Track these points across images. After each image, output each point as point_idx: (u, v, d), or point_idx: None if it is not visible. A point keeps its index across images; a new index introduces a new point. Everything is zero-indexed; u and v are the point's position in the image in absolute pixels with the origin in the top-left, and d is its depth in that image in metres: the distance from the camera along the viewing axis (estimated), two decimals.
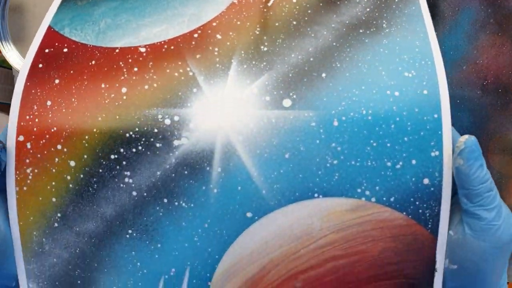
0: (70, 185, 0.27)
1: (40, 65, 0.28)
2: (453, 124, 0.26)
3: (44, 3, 0.49)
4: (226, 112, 0.26)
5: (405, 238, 0.26)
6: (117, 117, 0.27)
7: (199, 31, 0.29)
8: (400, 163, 0.25)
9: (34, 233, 0.27)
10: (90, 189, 0.27)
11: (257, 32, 0.28)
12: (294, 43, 0.28)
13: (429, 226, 0.26)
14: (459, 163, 0.24)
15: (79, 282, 0.28)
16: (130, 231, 0.27)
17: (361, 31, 0.28)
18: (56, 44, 0.29)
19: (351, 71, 0.26)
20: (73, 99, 0.27)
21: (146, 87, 0.27)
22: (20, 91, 0.28)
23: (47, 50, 0.29)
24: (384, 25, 0.28)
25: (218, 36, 0.28)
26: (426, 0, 0.30)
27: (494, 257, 0.25)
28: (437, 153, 0.25)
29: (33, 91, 0.28)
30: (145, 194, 0.27)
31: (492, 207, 0.24)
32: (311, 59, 0.27)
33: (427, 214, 0.25)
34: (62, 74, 0.28)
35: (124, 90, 0.27)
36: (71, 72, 0.28)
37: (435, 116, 0.25)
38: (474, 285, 0.26)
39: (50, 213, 0.27)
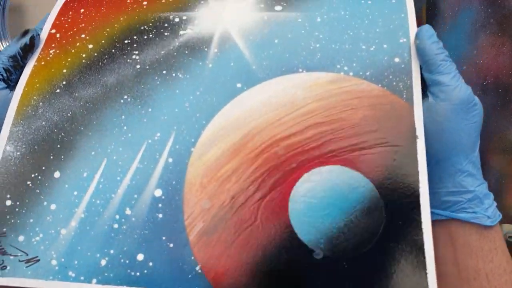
0: (83, 61, 0.32)
1: None
2: None
3: (44, 3, 0.50)
4: (226, 12, 0.33)
5: (383, 106, 0.29)
6: (136, 17, 0.33)
7: None
8: (374, 46, 0.30)
9: (34, 97, 0.30)
10: (100, 63, 0.31)
11: None
12: None
13: (404, 96, 0.29)
14: (417, 42, 0.30)
15: (58, 146, 0.29)
16: (125, 97, 0.30)
17: None
18: None
19: None
20: (102, 8, 0.34)
21: (163, 0, 0.35)
22: (60, 3, 0.35)
23: None
24: None
25: None
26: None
27: (456, 115, 0.28)
28: (404, 40, 0.31)
29: (71, 4, 0.35)
30: (147, 67, 0.31)
31: (448, 72, 0.28)
32: None
33: (401, 86, 0.29)
34: None
35: (145, 3, 0.35)
36: None
37: (402, 15, 0.32)
38: (443, 146, 0.28)
39: (56, 81, 0.31)
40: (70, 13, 0.34)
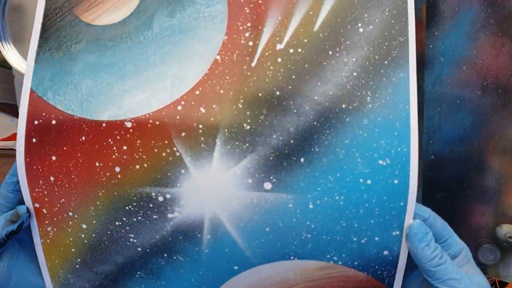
0: (85, 241, 0.34)
1: (34, 140, 0.32)
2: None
3: None
4: (212, 193, 0.31)
5: None
6: (115, 193, 0.32)
7: (182, 102, 0.31)
8: (365, 239, 0.31)
9: (60, 271, 0.35)
10: (102, 244, 0.34)
11: (240, 106, 0.30)
12: (276, 120, 0.30)
13: (386, 282, 0.33)
14: (408, 246, 0.30)
15: None
16: (139, 273, 0.35)
17: (343, 106, 0.30)
18: (43, 114, 0.32)
19: (328, 156, 0.30)
20: (73, 176, 0.32)
21: (138, 167, 0.31)
22: (23, 167, 0.32)
23: (36, 122, 0.32)
24: (368, 98, 0.30)
25: (202, 110, 0.31)
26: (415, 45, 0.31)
27: None
28: (397, 232, 0.30)
29: (34, 167, 0.32)
30: (148, 250, 0.33)
31: (449, 278, 0.30)
32: (292, 141, 0.30)
33: (385, 274, 0.32)
34: (56, 151, 0.31)
35: (117, 169, 0.31)
36: (65, 148, 0.31)
37: (401, 203, 0.30)
38: None
39: (71, 259, 0.35)
40: (40, 182, 0.32)
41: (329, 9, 0.31)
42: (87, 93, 0.32)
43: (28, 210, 0.33)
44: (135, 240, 0.33)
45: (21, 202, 0.33)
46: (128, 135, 0.31)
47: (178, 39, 0.32)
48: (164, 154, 0.31)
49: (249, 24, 0.31)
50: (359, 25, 0.31)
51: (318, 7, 0.31)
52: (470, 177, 0.48)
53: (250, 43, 0.31)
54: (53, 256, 0.35)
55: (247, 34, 0.31)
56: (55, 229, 0.34)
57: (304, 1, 0.31)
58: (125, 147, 0.31)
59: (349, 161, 0.29)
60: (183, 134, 0.31)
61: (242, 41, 0.31)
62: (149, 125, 0.31)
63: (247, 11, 0.31)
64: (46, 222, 0.33)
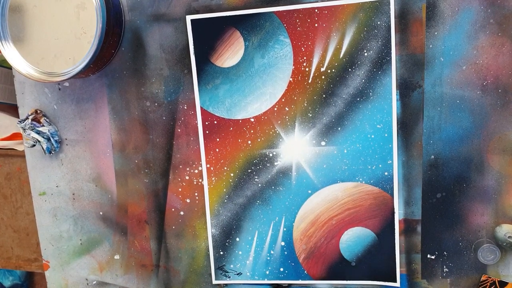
0: (231, 183, 0.67)
1: (207, 132, 0.68)
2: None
3: (44, 4, 0.50)
4: (295, 150, 0.65)
5: (379, 198, 0.63)
6: (248, 154, 0.66)
7: (276, 106, 0.67)
8: (374, 166, 0.62)
9: (215, 206, 0.68)
10: (240, 184, 0.67)
11: (305, 104, 0.66)
12: (324, 110, 0.65)
13: (389, 192, 0.63)
14: None
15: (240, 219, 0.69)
16: (258, 201, 0.67)
17: (358, 99, 0.64)
18: (209, 118, 0.68)
19: (351, 125, 0.63)
20: (227, 147, 0.67)
21: (258, 140, 0.66)
22: (203, 146, 0.68)
23: (206, 123, 0.68)
24: (370, 93, 0.64)
25: (286, 109, 0.66)
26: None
27: None
28: (390, 161, 0.62)
29: (208, 145, 0.68)
30: (264, 184, 0.66)
31: None
32: (333, 120, 0.64)
33: (387, 187, 0.62)
34: (218, 136, 0.67)
35: (249, 142, 0.66)
36: (222, 134, 0.67)
37: (390, 145, 0.62)
38: None
39: (223, 196, 0.67)
40: (211, 152, 0.68)
41: (347, 44, 0.65)
42: (229, 106, 0.68)
43: None
44: (257, 180, 0.66)
45: None
46: (252, 125, 0.67)
47: (268, 71, 0.68)
48: (271, 132, 0.66)
49: (304, 58, 0.67)
50: (364, 51, 0.66)
51: (341, 44, 0.67)
52: (470, 177, 0.51)
53: (307, 69, 0.67)
54: (213, 196, 0.68)
55: (304, 64, 0.67)
56: (216, 178, 0.68)
57: (333, 41, 0.67)
58: (252, 131, 0.67)
59: (362, 127, 0.63)
60: (279, 122, 0.66)
61: (302, 68, 0.67)
62: (262, 119, 0.67)
63: (303, 50, 0.68)
64: (212, 175, 0.68)
